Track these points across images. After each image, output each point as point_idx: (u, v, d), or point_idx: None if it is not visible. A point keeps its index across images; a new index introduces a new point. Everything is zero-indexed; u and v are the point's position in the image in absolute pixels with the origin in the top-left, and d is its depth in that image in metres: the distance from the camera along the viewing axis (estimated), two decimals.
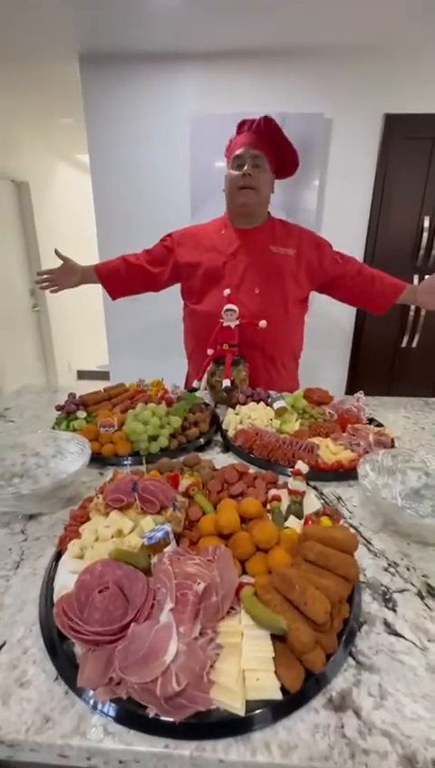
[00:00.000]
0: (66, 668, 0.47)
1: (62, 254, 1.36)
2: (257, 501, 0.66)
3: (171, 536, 0.58)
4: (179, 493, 0.70)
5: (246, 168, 1.25)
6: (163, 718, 0.42)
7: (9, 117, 3.08)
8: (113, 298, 1.49)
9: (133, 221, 2.55)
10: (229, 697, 0.43)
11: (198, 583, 0.49)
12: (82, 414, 1.09)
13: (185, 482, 0.71)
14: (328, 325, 2.69)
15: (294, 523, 0.67)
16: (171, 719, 0.42)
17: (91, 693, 0.44)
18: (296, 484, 0.74)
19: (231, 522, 0.60)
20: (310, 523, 0.65)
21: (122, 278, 1.44)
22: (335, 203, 2.45)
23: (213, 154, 2.37)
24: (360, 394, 1.22)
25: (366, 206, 2.46)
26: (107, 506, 0.64)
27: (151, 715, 0.42)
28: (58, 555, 0.63)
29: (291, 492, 0.73)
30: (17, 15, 1.86)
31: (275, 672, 0.44)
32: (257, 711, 0.43)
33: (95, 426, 1.01)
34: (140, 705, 0.43)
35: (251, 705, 0.43)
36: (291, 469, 0.85)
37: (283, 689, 0.44)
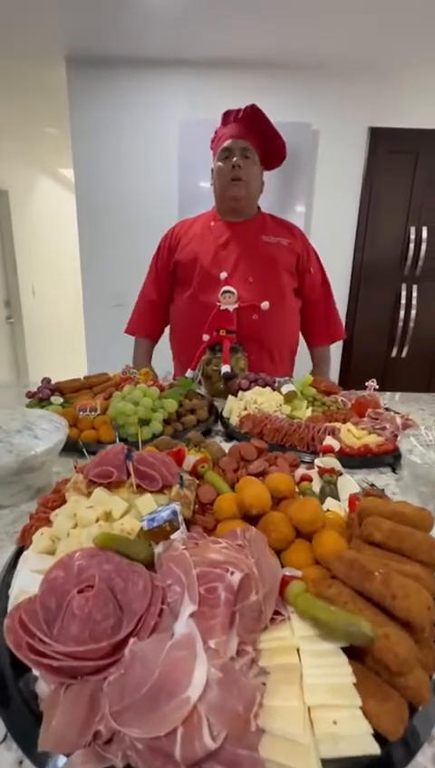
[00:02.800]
0: (21, 720, 0.30)
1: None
2: (288, 477, 0.51)
3: (181, 518, 0.42)
4: (185, 471, 0.54)
5: (235, 159, 1.20)
6: None
7: None
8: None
9: (118, 232, 2.45)
10: (294, 756, 0.26)
11: (231, 573, 0.32)
12: (57, 399, 0.92)
13: (191, 457, 0.55)
14: None
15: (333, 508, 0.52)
16: None
17: (63, 760, 0.27)
18: (329, 461, 0.59)
19: (261, 497, 0.45)
20: (357, 503, 0.50)
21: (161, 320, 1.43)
22: (323, 213, 2.45)
23: (201, 161, 2.34)
24: (371, 382, 1.11)
25: (353, 217, 2.47)
26: (90, 484, 0.48)
27: None
28: (19, 553, 0.45)
29: (323, 471, 0.58)
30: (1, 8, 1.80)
31: (362, 708, 0.28)
32: None
33: (73, 410, 0.84)
34: None
35: None
36: (313, 453, 0.71)
37: (376, 736, 0.27)
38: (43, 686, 0.30)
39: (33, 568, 0.40)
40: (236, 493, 0.49)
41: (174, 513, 0.42)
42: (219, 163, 1.24)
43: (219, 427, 0.95)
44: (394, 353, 2.64)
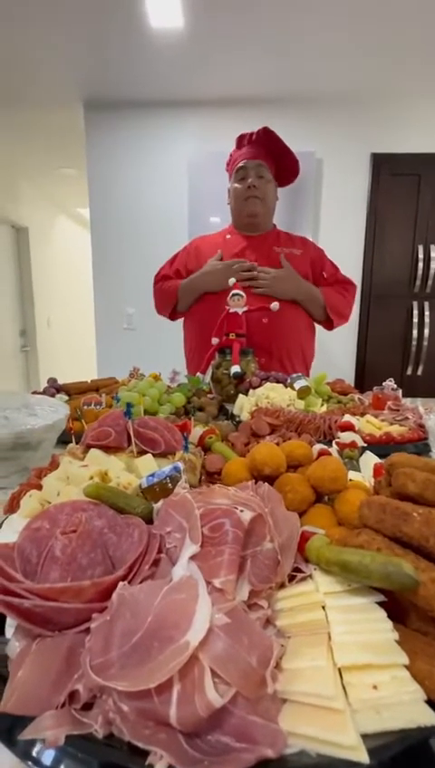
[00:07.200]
0: None
1: None
2: (305, 443, 0.46)
3: (184, 477, 0.37)
4: (192, 443, 0.50)
5: (250, 180, 1.25)
6: None
7: (11, 162, 3.22)
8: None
9: (129, 259, 2.52)
10: (326, 727, 0.20)
11: (241, 510, 0.28)
12: (62, 397, 0.90)
13: (199, 429, 0.51)
14: (327, 357, 2.59)
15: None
16: None
17: (30, 727, 0.21)
18: (349, 436, 0.54)
19: (274, 457, 0.40)
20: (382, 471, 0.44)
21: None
22: (330, 237, 2.49)
23: (210, 194, 2.43)
24: (389, 381, 1.06)
25: (360, 239, 2.51)
26: (87, 449, 0.44)
27: None
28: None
29: (343, 446, 0.53)
30: (23, 59, 1.98)
31: (409, 668, 0.22)
32: (388, 754, 0.20)
33: (78, 403, 0.81)
34: (133, 749, 0.20)
35: (370, 744, 0.20)
36: (330, 442, 0.66)
37: (429, 703, 0.21)
38: (15, 646, 0.25)
39: (17, 530, 0.35)
40: (246, 459, 0.44)
41: (177, 469, 0.37)
42: (236, 184, 1.29)
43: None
44: (410, 371, 2.58)
